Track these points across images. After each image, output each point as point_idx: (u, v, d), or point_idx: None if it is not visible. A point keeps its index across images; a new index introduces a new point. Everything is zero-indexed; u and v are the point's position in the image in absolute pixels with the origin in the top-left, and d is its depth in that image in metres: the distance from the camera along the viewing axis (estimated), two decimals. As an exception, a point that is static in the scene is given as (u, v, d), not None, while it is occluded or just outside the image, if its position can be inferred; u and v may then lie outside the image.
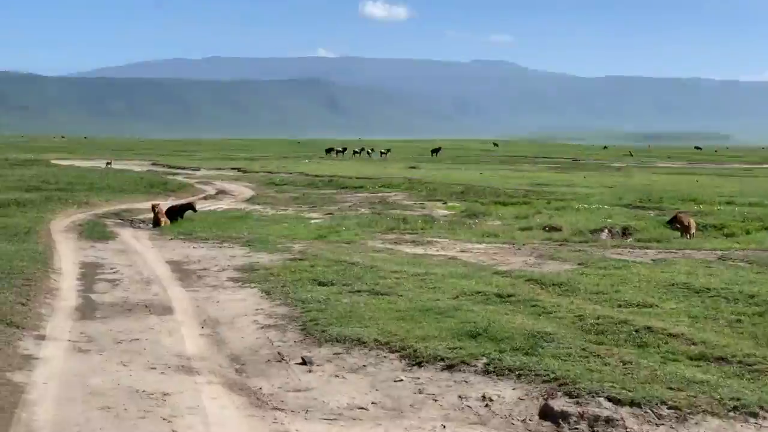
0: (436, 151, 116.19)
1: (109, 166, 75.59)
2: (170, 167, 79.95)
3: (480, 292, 18.59)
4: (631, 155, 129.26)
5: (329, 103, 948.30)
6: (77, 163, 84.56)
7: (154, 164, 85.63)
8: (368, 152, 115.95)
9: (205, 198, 46.60)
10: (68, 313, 17.07)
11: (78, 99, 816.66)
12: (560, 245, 27.98)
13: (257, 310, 17.67)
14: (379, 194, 49.65)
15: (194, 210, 36.00)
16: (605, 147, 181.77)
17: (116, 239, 28.81)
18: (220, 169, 76.57)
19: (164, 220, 32.94)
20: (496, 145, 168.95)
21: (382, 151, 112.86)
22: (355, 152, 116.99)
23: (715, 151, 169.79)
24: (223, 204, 43.67)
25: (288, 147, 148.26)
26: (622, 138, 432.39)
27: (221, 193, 49.91)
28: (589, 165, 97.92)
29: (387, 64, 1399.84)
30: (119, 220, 35.00)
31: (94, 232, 29.99)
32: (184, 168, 77.91)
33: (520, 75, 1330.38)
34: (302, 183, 57.31)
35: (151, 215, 33.66)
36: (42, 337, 14.95)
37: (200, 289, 19.98)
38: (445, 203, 44.22)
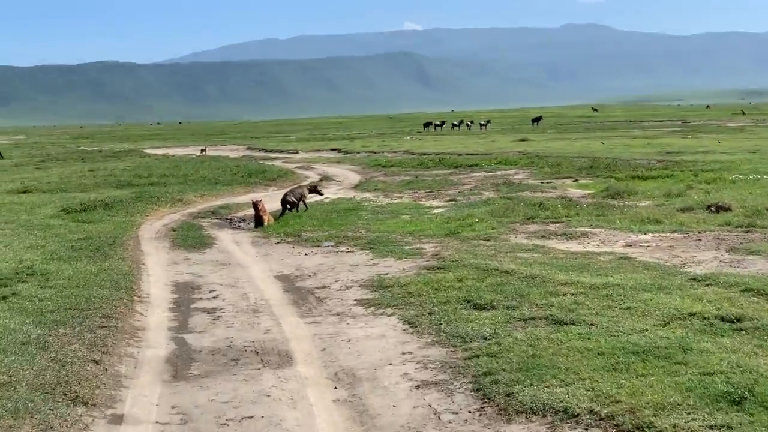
0: (537, 120, 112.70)
1: (203, 153, 71.89)
2: (267, 151, 76.24)
3: (694, 314, 13.91)
4: (743, 113, 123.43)
5: (419, 77, 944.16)
6: (171, 151, 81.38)
7: (249, 148, 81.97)
8: (467, 125, 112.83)
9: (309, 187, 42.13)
10: (156, 371, 12.77)
11: (172, 85, 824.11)
12: (746, 231, 23.05)
13: (404, 354, 13.19)
14: (498, 173, 45.06)
15: (320, 194, 33.25)
16: (708, 107, 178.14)
17: (214, 246, 24.59)
18: (319, 150, 72.45)
19: (267, 218, 28.75)
20: (595, 110, 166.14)
21: (482, 122, 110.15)
22: (453, 125, 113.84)
23: None
24: (329, 192, 39.26)
25: (382, 123, 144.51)
26: (720, 96, 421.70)
27: (325, 179, 45.55)
28: (703, 126, 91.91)
29: (476, 34, 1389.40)
30: (216, 220, 30.86)
31: (188, 238, 25.79)
32: (281, 151, 74.02)
33: (612, 37, 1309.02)
34: (410, 163, 52.74)
35: (252, 211, 29.38)
36: (119, 420, 10.65)
37: (323, 320, 15.59)
38: (576, 181, 39.42)
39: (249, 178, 44.27)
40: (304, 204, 31.97)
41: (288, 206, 31.17)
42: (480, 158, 53.17)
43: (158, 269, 20.87)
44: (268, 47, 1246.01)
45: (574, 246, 22.20)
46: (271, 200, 34.93)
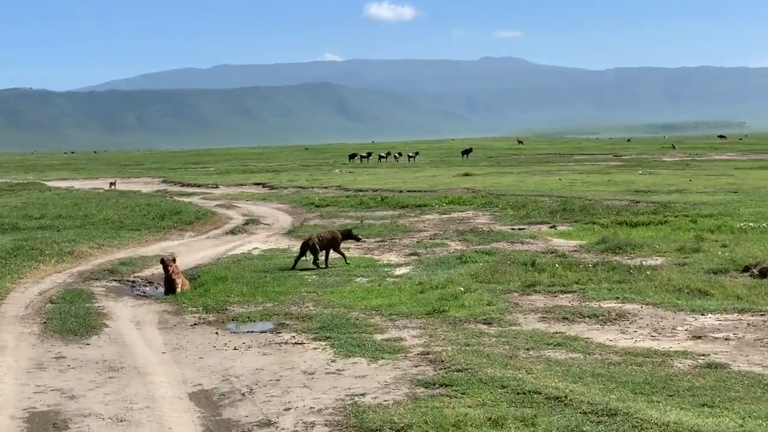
0: (467, 152, 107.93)
1: (112, 187, 64.24)
2: (183, 185, 68.92)
3: None
4: (674, 147, 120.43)
5: (339, 107, 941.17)
6: (79, 183, 73.70)
7: (165, 181, 74.54)
8: (395, 156, 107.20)
9: (232, 233, 35.08)
10: None
11: (89, 113, 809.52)
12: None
13: None
14: (453, 215, 38.73)
15: (357, 239, 27.45)
16: (629, 140, 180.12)
17: (104, 332, 17.49)
18: (241, 185, 65.25)
19: (181, 281, 21.80)
20: (520, 142, 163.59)
21: (410, 154, 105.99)
22: (381, 157, 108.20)
23: (740, 139, 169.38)
24: (257, 241, 32.32)
25: (305, 154, 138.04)
26: (634, 130, 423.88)
27: (251, 222, 38.45)
28: (641, 160, 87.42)
29: (395, 66, 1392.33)
30: (115, 283, 23.71)
31: (70, 316, 18.61)
32: (199, 185, 66.78)
33: (529, 70, 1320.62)
34: (347, 202, 45.95)
35: (161, 270, 22.37)
36: None
37: None
38: (554, 228, 33.04)
39: (161, 221, 36.99)
40: (341, 254, 25.87)
41: (307, 252, 25.39)
42: (426, 197, 46.73)
43: (9, 382, 13.73)
44: (188, 76, 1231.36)
45: (618, 337, 15.72)
46: (188, 252, 28.09)
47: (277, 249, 29.79)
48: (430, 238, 31.02)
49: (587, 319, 17.15)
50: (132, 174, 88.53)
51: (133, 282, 23.79)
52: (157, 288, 23.11)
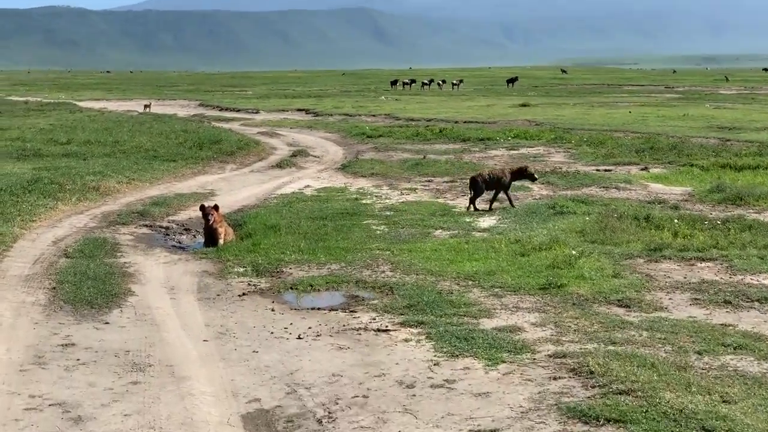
0: (512, 81, 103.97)
1: (147, 110, 60.25)
2: (222, 109, 64.79)
3: None
4: (727, 80, 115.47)
5: (375, 33, 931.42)
6: (112, 105, 69.72)
7: (201, 105, 70.39)
8: (438, 84, 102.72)
9: (279, 166, 31.10)
10: None
11: (125, 33, 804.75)
12: None
13: None
14: (523, 150, 35.07)
15: (533, 179, 23.44)
16: (674, 71, 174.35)
17: (128, 302, 13.63)
18: (283, 111, 61.06)
19: (224, 232, 17.79)
20: (564, 72, 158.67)
21: (454, 82, 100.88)
22: (423, 84, 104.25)
23: None
24: (309, 177, 28.35)
25: (342, 79, 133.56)
26: (675, 61, 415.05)
27: (299, 153, 34.39)
28: (700, 93, 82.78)
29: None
30: (145, 229, 19.81)
31: (86, 279, 14.66)
32: (238, 110, 62.58)
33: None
34: (402, 133, 41.76)
35: (200, 213, 18.45)
36: None
37: None
38: (646, 170, 28.81)
39: (199, 151, 33.03)
40: (507, 196, 22.22)
41: (475, 191, 21.92)
42: (487, 129, 42.45)
43: (-8, 392, 9.80)
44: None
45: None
46: (230, 189, 24.31)
47: (332, 188, 25.79)
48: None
49: (757, 303, 13.07)
50: (167, 96, 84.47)
51: (167, 229, 19.88)
52: (195, 237, 19.25)
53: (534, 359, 10.73)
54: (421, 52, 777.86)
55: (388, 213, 21.34)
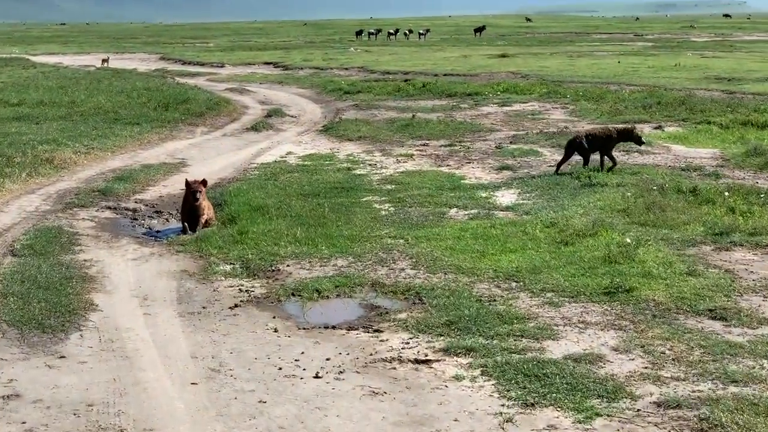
0: (479, 30, 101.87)
1: (105, 65, 56.73)
2: (185, 63, 61.45)
3: None
4: (693, 27, 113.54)
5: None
6: (68, 59, 66.02)
7: (163, 58, 66.92)
8: (405, 33, 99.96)
9: (254, 129, 28.11)
10: None
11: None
12: None
13: None
14: (516, 107, 32.50)
15: (640, 142, 20.09)
16: (637, 18, 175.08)
17: (91, 320, 10.86)
18: (250, 64, 57.78)
19: (206, 213, 14.82)
20: (528, 20, 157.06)
21: (421, 32, 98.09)
22: (389, 34, 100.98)
23: (748, 18, 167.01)
24: (289, 142, 25.49)
25: (305, 29, 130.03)
26: (632, 8, 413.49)
27: (274, 113, 31.41)
28: (670, 41, 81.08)
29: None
30: (108, 213, 16.86)
31: (37, 289, 11.71)
32: (202, 64, 59.22)
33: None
34: (382, 88, 38.81)
35: (176, 191, 15.54)
36: None
37: None
38: (661, 128, 26.10)
39: (165, 112, 29.97)
40: (611, 158, 19.57)
41: (570, 153, 19.74)
42: (473, 83, 39.58)
43: None
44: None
45: None
46: (202, 158, 21.60)
47: (318, 155, 22.88)
48: (511, 142, 24.15)
49: None
50: (126, 49, 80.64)
51: (134, 211, 16.91)
52: (167, 221, 16.36)
53: (638, 411, 8.02)
54: (382, 1, 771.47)
55: (388, 187, 18.49)
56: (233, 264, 13.08)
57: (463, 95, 35.56)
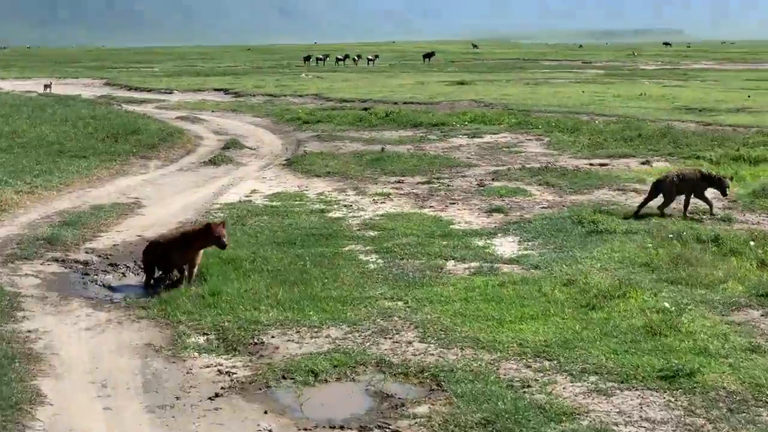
0: (429, 56, 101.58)
1: (48, 90, 54.24)
2: (131, 89, 58.90)
3: None
4: (634, 54, 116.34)
5: (279, 7, 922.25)
6: (8, 85, 63.08)
7: (108, 84, 64.46)
8: (354, 59, 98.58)
9: (213, 162, 26.03)
10: None
11: (20, 5, 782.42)
12: None
13: None
14: (487, 138, 31.10)
15: (724, 192, 18.24)
16: (580, 46, 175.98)
17: (38, 420, 8.78)
18: (200, 91, 55.60)
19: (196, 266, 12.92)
20: (475, 46, 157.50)
21: (370, 57, 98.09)
22: (338, 59, 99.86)
23: (687, 46, 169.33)
24: (251, 178, 23.45)
25: (250, 54, 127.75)
26: (573, 36, 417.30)
27: (231, 145, 29.40)
28: (620, 68, 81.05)
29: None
30: (55, 266, 14.69)
31: None
32: (150, 90, 56.83)
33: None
34: (342, 117, 36.91)
35: (132, 237, 13.68)
36: None
37: None
38: (648, 163, 24.50)
39: (115, 144, 27.78)
40: (706, 201, 18.13)
41: (654, 195, 17.96)
42: (438, 112, 37.97)
43: None
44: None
45: None
46: (160, 197, 19.86)
47: (286, 194, 20.85)
48: (493, 179, 22.31)
49: None
50: (69, 74, 77.96)
51: (86, 265, 14.72)
52: (124, 275, 14.16)
53: None
54: (325, 26, 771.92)
55: (371, 233, 16.51)
56: (207, 335, 11.04)
57: (429, 125, 33.80)
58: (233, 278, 13.21)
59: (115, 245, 15.89)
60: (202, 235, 13.25)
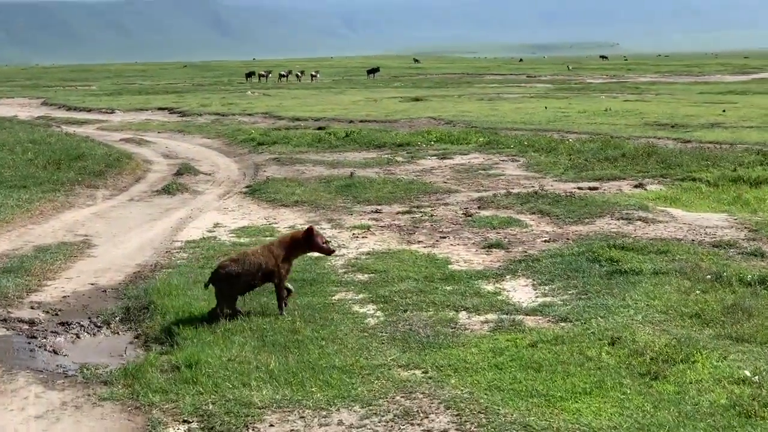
0: (373, 71, 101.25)
1: (-20, 112, 51.45)
2: (70, 109, 56.27)
3: None
4: (569, 69, 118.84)
5: (215, 23, 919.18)
6: (-63, 106, 60.05)
7: (45, 104, 61.86)
8: (297, 75, 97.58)
9: (167, 191, 23.71)
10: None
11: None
12: None
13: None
14: (458, 159, 29.47)
15: None
16: (520, 60, 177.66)
17: None
18: (143, 110, 53.10)
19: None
20: (417, 61, 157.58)
21: (312, 73, 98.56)
22: (281, 75, 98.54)
23: (625, 59, 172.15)
24: (212, 209, 21.18)
25: (188, 72, 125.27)
26: (510, 50, 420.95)
27: (184, 170, 27.13)
28: (566, 82, 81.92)
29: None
30: (-4, 329, 12.19)
31: None
32: (89, 110, 54.25)
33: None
34: (299, 139, 34.79)
35: (83, 286, 12.06)
36: None
37: None
38: (642, 187, 22.69)
39: (57, 172, 25.34)
40: None
41: None
42: (400, 131, 36.12)
43: None
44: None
45: None
46: (111, 234, 17.49)
47: (254, 228, 18.65)
48: (479, 207, 20.28)
49: None
50: (3, 93, 74.98)
51: (32, 324, 12.39)
52: (78, 336, 11.90)
53: None
54: (262, 42, 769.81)
55: (360, 277, 14.37)
56: (189, 422, 8.88)
57: (393, 146, 31.85)
58: (211, 341, 10.99)
59: (65, 297, 13.59)
60: (302, 243, 12.19)
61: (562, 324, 11.65)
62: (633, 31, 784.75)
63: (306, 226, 13.14)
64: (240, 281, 11.80)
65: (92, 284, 14.18)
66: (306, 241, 12.28)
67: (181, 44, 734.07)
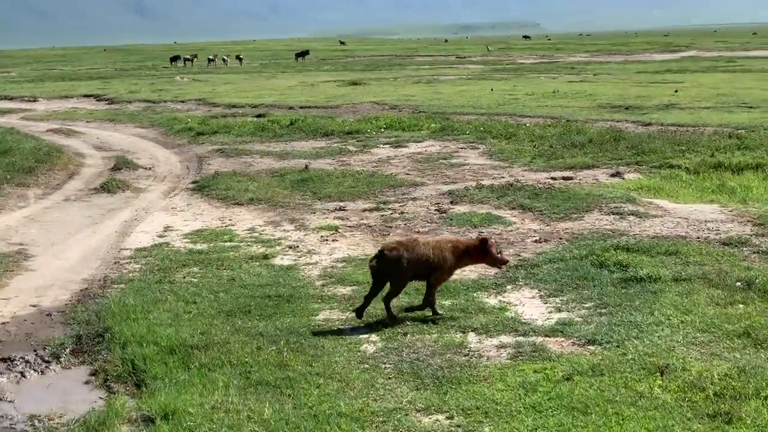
0: (302, 54, 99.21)
1: None
2: (-12, 98, 53.43)
3: None
4: (489, 50, 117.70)
5: (135, 6, 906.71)
6: None
7: (-41, 93, 58.65)
8: (223, 59, 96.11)
9: (105, 189, 21.70)
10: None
11: None
12: None
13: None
14: (412, 147, 27.90)
15: None
16: (446, 40, 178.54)
17: None
18: (68, 98, 50.61)
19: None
20: (343, 43, 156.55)
21: (239, 56, 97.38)
22: (209, 59, 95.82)
23: (548, 39, 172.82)
24: (159, 209, 19.29)
25: (110, 56, 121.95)
26: (434, 30, 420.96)
27: (122, 164, 25.09)
28: (500, 63, 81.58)
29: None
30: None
31: None
32: (11, 98, 51.59)
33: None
34: (239, 127, 32.87)
35: (23, 308, 10.59)
36: None
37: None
38: (619, 176, 21.21)
39: (-19, 169, 23.10)
40: None
41: None
42: (348, 119, 34.53)
43: None
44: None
45: None
46: (48, 241, 15.72)
47: (210, 231, 16.78)
48: (452, 202, 18.65)
49: None
50: None
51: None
52: (23, 375, 10.07)
53: None
54: (183, 25, 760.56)
55: (342, 290, 12.67)
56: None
57: (342, 134, 30.19)
58: (186, 380, 9.18)
59: (4, 324, 11.70)
60: (477, 253, 11.21)
61: (591, 347, 10.05)
62: (554, 11, 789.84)
63: (481, 236, 11.91)
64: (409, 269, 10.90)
65: (34, 306, 12.28)
66: (481, 252, 11.17)
67: (101, 27, 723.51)
